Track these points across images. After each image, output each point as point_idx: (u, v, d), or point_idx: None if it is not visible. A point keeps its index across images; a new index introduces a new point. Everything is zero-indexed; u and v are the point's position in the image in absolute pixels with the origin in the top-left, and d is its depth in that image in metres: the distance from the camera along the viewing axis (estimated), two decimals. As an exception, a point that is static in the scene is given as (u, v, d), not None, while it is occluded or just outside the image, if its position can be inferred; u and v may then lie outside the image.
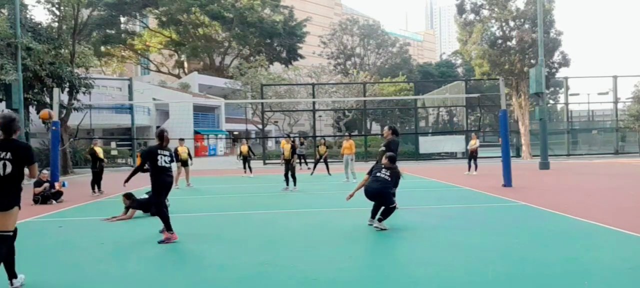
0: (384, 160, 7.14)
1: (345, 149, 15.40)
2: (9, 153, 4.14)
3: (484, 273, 4.62)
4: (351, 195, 7.20)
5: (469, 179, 15.12)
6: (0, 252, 4.10)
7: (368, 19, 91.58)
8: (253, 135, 51.97)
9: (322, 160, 18.09)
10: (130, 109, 34.96)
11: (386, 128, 8.89)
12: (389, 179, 6.90)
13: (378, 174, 6.92)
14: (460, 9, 30.74)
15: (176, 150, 14.51)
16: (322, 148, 18.25)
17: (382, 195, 6.76)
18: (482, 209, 9.05)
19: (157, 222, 6.50)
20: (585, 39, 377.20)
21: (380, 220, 6.71)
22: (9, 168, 4.12)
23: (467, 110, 33.43)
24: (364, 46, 66.74)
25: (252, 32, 58.99)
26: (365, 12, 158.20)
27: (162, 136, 6.48)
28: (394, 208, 6.83)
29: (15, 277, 4.32)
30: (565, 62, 29.85)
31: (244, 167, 18.46)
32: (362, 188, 7.01)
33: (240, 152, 18.86)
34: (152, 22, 64.83)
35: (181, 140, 14.98)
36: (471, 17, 30.53)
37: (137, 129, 33.92)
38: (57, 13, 21.12)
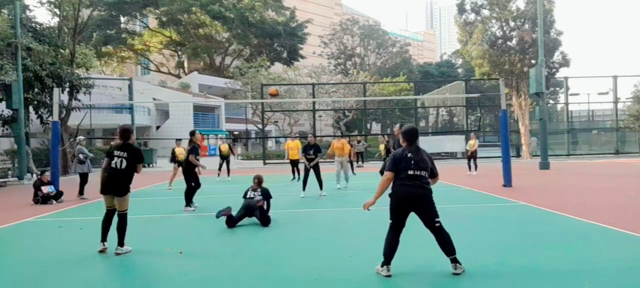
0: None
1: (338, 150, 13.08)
2: (125, 153, 5.64)
3: (483, 273, 4.62)
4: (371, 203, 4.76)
5: (469, 179, 15.12)
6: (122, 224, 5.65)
7: (368, 19, 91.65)
8: (253, 135, 51.99)
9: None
10: (130, 109, 34.99)
11: (397, 126, 8.97)
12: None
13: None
14: (461, 9, 30.76)
15: (173, 151, 14.52)
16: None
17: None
18: (482, 209, 9.05)
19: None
20: (585, 39, 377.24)
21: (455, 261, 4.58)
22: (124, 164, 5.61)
23: (467, 110, 33.45)
24: (364, 46, 66.74)
25: (253, 32, 59.01)
26: (365, 12, 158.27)
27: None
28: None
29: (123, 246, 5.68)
30: (565, 62, 29.89)
31: (220, 168, 16.66)
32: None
33: (220, 152, 17.06)
34: (153, 22, 64.82)
35: (178, 140, 14.95)
36: (471, 17, 30.56)
37: (137, 128, 33.94)
38: (58, 13, 21.11)
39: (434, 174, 4.66)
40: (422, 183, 4.52)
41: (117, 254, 5.58)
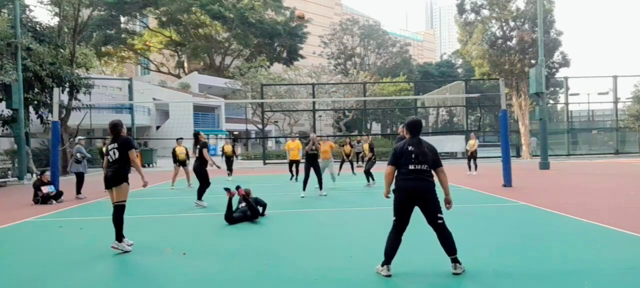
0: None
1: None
2: (115, 144, 5.86)
3: (483, 273, 4.62)
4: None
5: (469, 179, 15.13)
6: (120, 216, 5.74)
7: (368, 19, 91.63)
8: (253, 135, 51.99)
9: (348, 160, 18.02)
10: (130, 109, 34.96)
11: (401, 127, 8.98)
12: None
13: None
14: (461, 9, 30.75)
15: (174, 151, 14.52)
16: (347, 148, 18.15)
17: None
18: (482, 209, 9.05)
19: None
20: (585, 39, 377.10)
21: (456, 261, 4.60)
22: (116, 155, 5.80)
23: (467, 110, 33.45)
24: (364, 46, 66.75)
25: (252, 32, 59.00)
26: (365, 12, 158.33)
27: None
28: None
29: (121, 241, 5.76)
30: (565, 62, 29.90)
31: (228, 168, 16.80)
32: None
33: (224, 152, 17.17)
34: (152, 22, 64.83)
35: (179, 139, 14.94)
36: (471, 17, 30.56)
37: (137, 128, 33.91)
38: (58, 12, 21.11)
39: (436, 165, 4.57)
40: (424, 176, 4.49)
41: (113, 248, 5.67)
